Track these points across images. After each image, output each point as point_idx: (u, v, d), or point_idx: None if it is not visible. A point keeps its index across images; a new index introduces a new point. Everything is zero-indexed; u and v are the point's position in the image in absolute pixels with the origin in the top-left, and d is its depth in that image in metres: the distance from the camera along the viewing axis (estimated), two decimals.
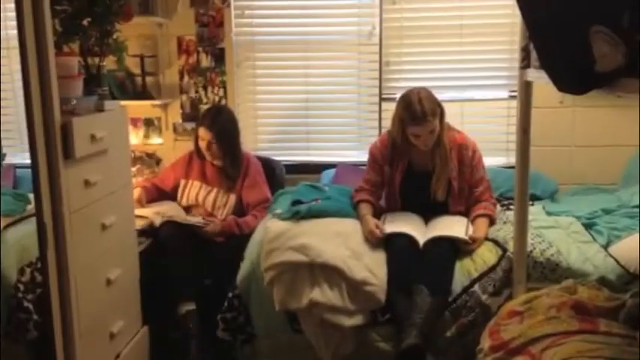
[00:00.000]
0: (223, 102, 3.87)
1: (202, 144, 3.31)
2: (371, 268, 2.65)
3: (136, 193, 3.20)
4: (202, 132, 3.29)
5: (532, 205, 3.11)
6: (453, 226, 2.85)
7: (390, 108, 3.84)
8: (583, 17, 1.34)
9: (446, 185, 2.96)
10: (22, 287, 2.34)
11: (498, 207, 3.15)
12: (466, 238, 2.75)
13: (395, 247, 2.73)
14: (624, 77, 1.34)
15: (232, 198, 3.33)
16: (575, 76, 1.45)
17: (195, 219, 3.20)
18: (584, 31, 1.32)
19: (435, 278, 2.61)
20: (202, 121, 3.34)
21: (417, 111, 2.86)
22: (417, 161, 3.03)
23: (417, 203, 3.00)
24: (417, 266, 2.65)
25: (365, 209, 2.97)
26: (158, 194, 3.43)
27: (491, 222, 2.96)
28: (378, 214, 3.01)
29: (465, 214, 2.99)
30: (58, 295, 2.10)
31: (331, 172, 3.75)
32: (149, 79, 3.83)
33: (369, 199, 3.03)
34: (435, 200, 2.97)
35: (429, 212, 3.00)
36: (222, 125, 3.30)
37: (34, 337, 2.33)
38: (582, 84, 1.45)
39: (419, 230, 2.86)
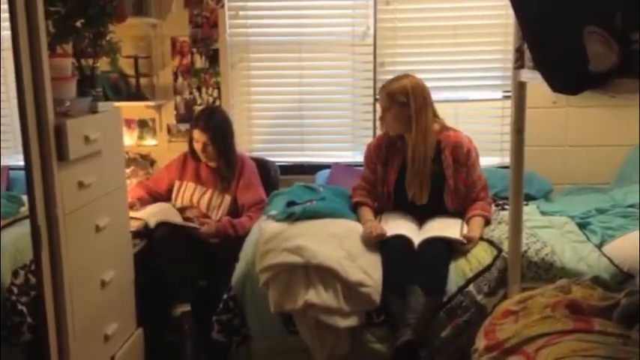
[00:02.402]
0: (217, 103, 3.87)
1: (197, 146, 3.30)
2: (366, 270, 2.65)
3: (131, 201, 3.19)
4: (197, 134, 3.29)
5: (526, 204, 3.11)
6: (448, 227, 2.85)
7: None
8: (577, 17, 1.35)
9: (424, 186, 2.94)
10: (15, 290, 2.32)
11: (493, 207, 3.15)
12: (460, 238, 2.75)
13: (390, 248, 2.73)
14: (618, 77, 1.35)
15: (227, 199, 3.32)
16: (569, 76, 1.45)
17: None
18: (577, 32, 1.33)
19: (429, 278, 2.61)
20: (196, 122, 3.33)
21: (386, 84, 2.99)
22: None
23: (412, 202, 2.99)
24: (412, 267, 2.65)
25: (365, 213, 2.98)
26: (152, 198, 3.42)
27: (487, 222, 2.96)
28: (375, 215, 3.02)
29: (461, 213, 2.99)
30: (52, 297, 2.10)
31: (326, 172, 3.75)
32: (143, 80, 3.82)
33: (367, 202, 3.04)
34: (421, 202, 2.97)
35: (422, 211, 2.99)
36: (216, 127, 3.30)
37: (28, 340, 2.32)
38: (576, 84, 1.45)
39: (413, 231, 2.86)
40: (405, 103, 2.93)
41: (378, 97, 3.09)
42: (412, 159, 2.93)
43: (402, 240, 2.74)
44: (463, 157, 2.98)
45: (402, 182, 3.01)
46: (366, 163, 3.13)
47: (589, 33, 1.31)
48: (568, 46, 1.39)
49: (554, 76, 1.53)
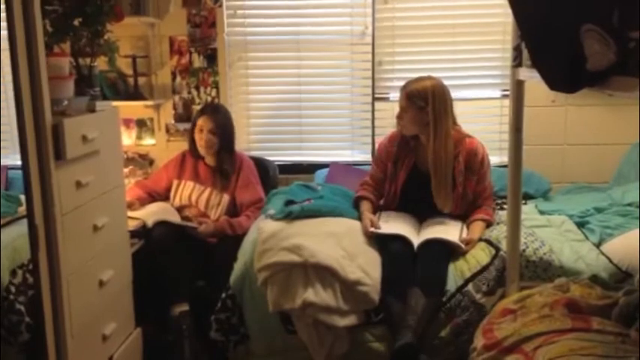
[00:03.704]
0: (217, 102, 3.87)
1: (201, 136, 3.29)
2: (364, 269, 2.65)
3: (130, 200, 3.19)
4: (203, 121, 3.29)
5: (525, 204, 3.12)
6: (448, 229, 2.84)
7: (382, 108, 3.85)
8: (574, 16, 1.35)
9: (450, 193, 2.90)
10: (13, 289, 2.33)
11: (497, 212, 3.12)
12: (459, 243, 2.74)
13: (390, 250, 2.72)
14: (615, 75, 1.35)
15: (226, 198, 3.32)
16: (566, 74, 1.45)
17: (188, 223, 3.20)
18: (575, 30, 1.33)
19: (429, 279, 2.61)
20: (202, 112, 3.36)
21: (407, 83, 2.93)
22: (423, 160, 2.98)
23: (418, 203, 2.97)
24: (412, 269, 2.65)
25: (363, 206, 2.99)
26: (151, 197, 3.41)
27: (488, 225, 2.94)
28: (375, 211, 3.02)
29: (461, 216, 2.99)
30: (49, 296, 2.09)
31: (324, 171, 3.75)
32: (141, 80, 3.82)
33: (369, 197, 3.04)
34: (445, 209, 2.94)
35: (427, 212, 2.98)
36: (222, 115, 3.36)
37: (26, 339, 2.33)
38: (573, 82, 1.45)
39: (413, 232, 2.85)
40: (423, 108, 2.88)
41: (398, 94, 3.01)
42: (434, 167, 2.87)
43: (402, 242, 2.73)
44: (477, 164, 2.94)
45: (410, 182, 3.00)
46: (375, 161, 3.12)
47: (586, 31, 1.31)
48: (565, 44, 1.40)
49: (551, 74, 1.53)
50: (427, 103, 2.86)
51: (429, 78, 2.94)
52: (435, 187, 2.90)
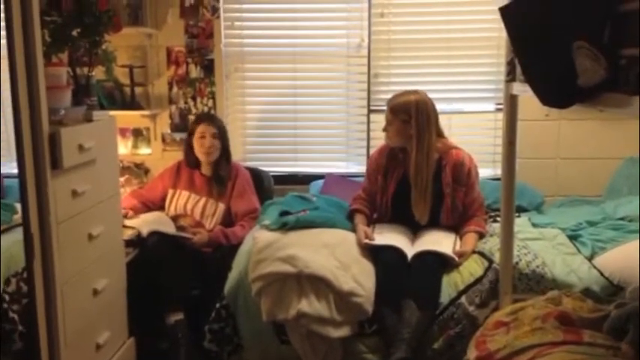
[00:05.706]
0: (212, 112, 3.88)
1: (203, 142, 3.30)
2: (358, 279, 2.65)
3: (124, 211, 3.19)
4: (203, 127, 3.32)
5: (518, 216, 3.13)
6: (441, 241, 2.85)
7: (378, 120, 3.87)
8: (565, 33, 1.37)
9: (426, 206, 2.94)
10: (7, 298, 2.32)
11: (489, 222, 3.14)
12: (453, 255, 2.76)
13: (383, 260, 2.73)
14: (606, 92, 1.37)
15: (221, 207, 3.33)
16: (558, 90, 1.47)
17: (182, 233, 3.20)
18: (566, 47, 1.35)
19: (423, 292, 2.62)
20: (199, 120, 3.40)
21: (393, 97, 3.00)
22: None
23: (409, 214, 3.00)
24: (405, 280, 2.66)
25: (358, 219, 3.01)
26: (146, 207, 3.42)
27: (481, 236, 2.96)
28: (369, 224, 3.03)
29: (455, 227, 3.00)
30: (43, 305, 2.09)
31: (319, 182, 3.76)
32: (138, 90, 3.83)
33: (363, 210, 3.06)
34: (423, 222, 2.97)
35: (419, 224, 3.00)
36: (220, 122, 3.43)
37: (19, 349, 2.32)
38: (565, 98, 1.47)
39: (407, 243, 2.87)
40: (406, 121, 2.93)
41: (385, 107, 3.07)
42: (415, 179, 2.92)
43: (396, 252, 2.75)
44: (464, 176, 2.97)
45: (400, 194, 3.01)
46: (367, 175, 3.15)
47: (577, 48, 1.33)
48: (557, 60, 1.42)
49: (543, 89, 1.55)
50: (410, 116, 2.91)
51: (414, 92, 2.99)
52: (415, 199, 2.94)
